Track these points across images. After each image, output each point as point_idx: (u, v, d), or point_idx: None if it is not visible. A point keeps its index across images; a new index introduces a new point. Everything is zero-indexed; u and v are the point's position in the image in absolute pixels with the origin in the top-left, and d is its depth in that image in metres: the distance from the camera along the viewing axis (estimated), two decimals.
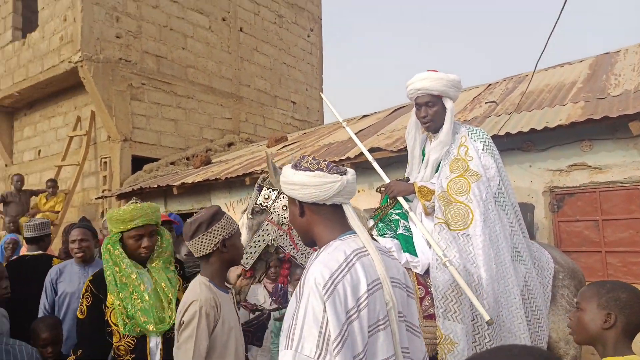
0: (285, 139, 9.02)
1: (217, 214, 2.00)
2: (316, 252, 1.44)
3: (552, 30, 2.62)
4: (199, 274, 2.02)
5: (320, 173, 1.43)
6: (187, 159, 9.43)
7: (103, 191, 8.79)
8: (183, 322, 1.86)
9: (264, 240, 2.60)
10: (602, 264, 4.13)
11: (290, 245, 2.67)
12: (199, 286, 1.93)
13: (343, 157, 5.28)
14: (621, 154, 4.05)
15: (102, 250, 2.29)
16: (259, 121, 11.68)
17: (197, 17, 10.22)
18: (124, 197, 8.24)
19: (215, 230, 1.96)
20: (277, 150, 7.80)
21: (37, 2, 9.51)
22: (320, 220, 1.47)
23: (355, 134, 5.90)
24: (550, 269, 2.71)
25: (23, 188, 8.28)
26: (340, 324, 1.24)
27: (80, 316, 2.28)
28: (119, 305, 2.20)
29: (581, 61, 6.53)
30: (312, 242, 1.52)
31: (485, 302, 2.35)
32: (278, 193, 2.64)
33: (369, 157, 3.01)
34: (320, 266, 1.32)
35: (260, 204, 2.64)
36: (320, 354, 1.21)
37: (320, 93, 3.18)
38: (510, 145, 4.49)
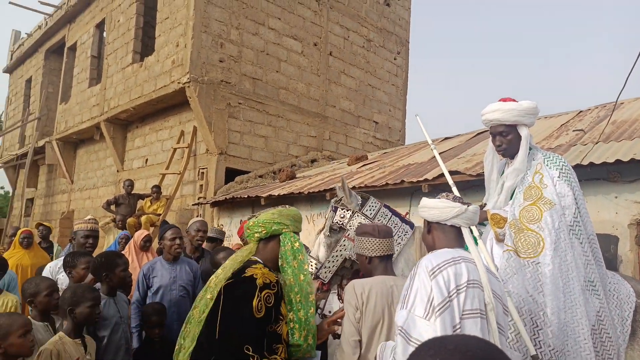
0: (366, 157, 9.33)
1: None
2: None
3: (637, 59, 2.68)
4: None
5: (444, 200, 1.95)
6: (274, 172, 10.10)
7: (199, 198, 9.67)
8: None
9: (341, 255, 2.83)
10: None
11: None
12: None
13: (421, 179, 5.48)
14: None
15: (285, 252, 2.17)
16: (342, 140, 12.14)
17: (291, 43, 10.99)
18: (217, 204, 9.03)
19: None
20: (357, 168, 8.14)
21: (154, 29, 10.84)
22: (441, 237, 1.93)
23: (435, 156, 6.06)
24: (632, 302, 2.62)
25: (132, 192, 9.35)
26: (443, 297, 1.67)
27: (257, 315, 1.99)
28: (303, 317, 2.13)
29: None
30: None
31: (549, 331, 2.37)
32: (352, 212, 2.88)
33: (450, 181, 3.03)
34: (431, 257, 1.78)
35: (337, 222, 2.88)
36: (427, 315, 1.66)
37: (416, 115, 3.36)
38: (595, 175, 4.43)
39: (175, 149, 10.22)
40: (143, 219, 8.67)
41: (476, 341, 0.77)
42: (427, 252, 1.98)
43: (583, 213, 2.65)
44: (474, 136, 7.86)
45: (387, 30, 13.43)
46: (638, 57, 2.67)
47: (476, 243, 2.82)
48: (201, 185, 9.73)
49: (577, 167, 4.34)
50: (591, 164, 4.21)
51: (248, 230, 2.24)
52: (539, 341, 2.40)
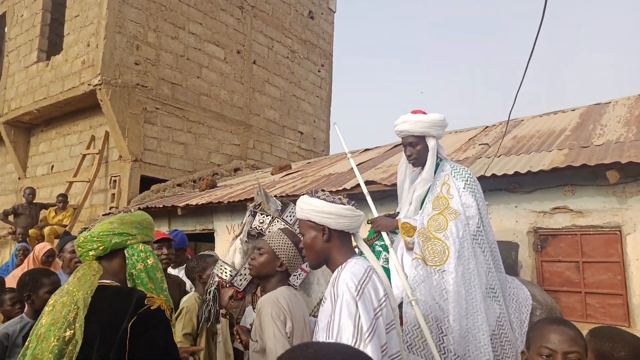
0: (289, 167, 9.32)
1: None
2: (338, 268, 1.73)
3: (522, 82, 2.89)
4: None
5: (351, 207, 1.79)
6: (194, 181, 9.75)
7: (110, 208, 9.08)
8: None
9: None
10: (581, 304, 4.29)
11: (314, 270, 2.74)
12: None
13: (340, 188, 5.54)
14: (601, 200, 4.28)
15: (137, 272, 1.74)
16: (266, 149, 12.05)
17: (213, 49, 10.74)
18: None
19: None
20: (280, 178, 8.09)
21: (63, 27, 10.09)
22: (340, 246, 1.78)
23: (356, 166, 6.18)
24: (529, 305, 2.79)
25: (34, 201, 8.58)
26: (370, 318, 1.55)
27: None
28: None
29: (574, 110, 6.84)
30: (321, 264, 1.84)
31: (451, 337, 2.46)
32: (272, 218, 2.81)
33: (365, 190, 3.11)
34: (349, 274, 1.63)
35: (256, 227, 2.76)
36: (355, 342, 1.51)
37: (334, 123, 3.38)
38: (497, 185, 4.74)
39: (84, 155, 9.57)
40: (46, 230, 7.98)
41: (338, 347, 0.75)
42: (313, 261, 1.84)
43: (486, 223, 2.80)
44: (391, 148, 8.14)
45: (311, 43, 13.61)
46: (523, 79, 2.87)
47: (387, 251, 2.89)
48: (113, 194, 9.15)
49: (482, 178, 4.61)
50: (494, 176, 4.49)
51: (79, 249, 1.74)
52: (444, 347, 2.48)
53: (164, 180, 9.52)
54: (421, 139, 2.86)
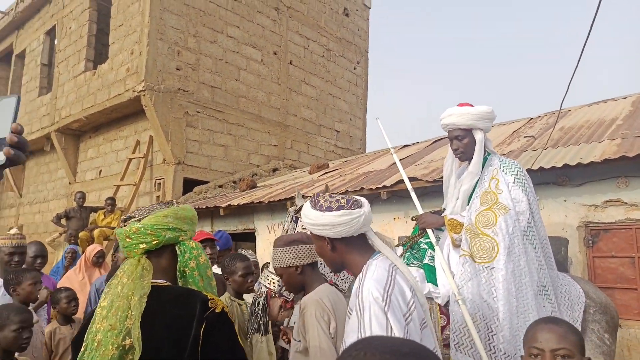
0: (327, 166, 9.34)
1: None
2: (359, 275, 1.60)
3: (575, 70, 2.78)
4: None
5: (345, 211, 1.61)
6: (234, 182, 9.94)
7: None
8: None
9: None
10: (637, 301, 4.08)
11: (331, 272, 2.71)
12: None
13: (380, 185, 5.51)
14: None
15: (190, 270, 1.69)
16: (303, 148, 12.13)
17: (251, 51, 10.91)
18: None
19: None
20: (319, 177, 8.12)
21: (108, 37, 10.52)
22: (350, 250, 1.66)
23: (394, 164, 6.10)
24: (581, 303, 2.69)
25: (84, 205, 8.97)
26: (402, 327, 1.44)
27: None
28: None
29: (625, 97, 6.51)
30: (341, 268, 1.75)
31: (501, 336, 2.39)
32: None
33: (409, 186, 3.05)
34: (373, 282, 1.50)
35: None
36: None
37: (377, 118, 3.35)
38: (545, 179, 4.57)
39: (130, 160, 9.91)
40: (96, 232, 8.32)
41: (403, 341, 0.75)
42: (332, 267, 1.76)
43: (537, 218, 2.70)
44: (431, 144, 8.01)
45: (346, 40, 13.58)
46: (576, 69, 2.76)
47: (433, 248, 2.85)
48: (158, 197, 9.45)
49: (528, 172, 4.45)
50: (541, 169, 4.34)
51: (128, 240, 1.60)
52: (493, 346, 2.42)
53: (206, 182, 9.75)
54: (468, 132, 2.78)
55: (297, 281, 2.17)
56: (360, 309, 1.47)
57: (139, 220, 1.63)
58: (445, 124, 2.84)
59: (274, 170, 10.98)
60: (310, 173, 9.02)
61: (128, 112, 10.12)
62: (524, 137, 5.99)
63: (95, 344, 1.47)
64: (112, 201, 8.93)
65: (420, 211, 2.94)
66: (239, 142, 10.56)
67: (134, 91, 9.18)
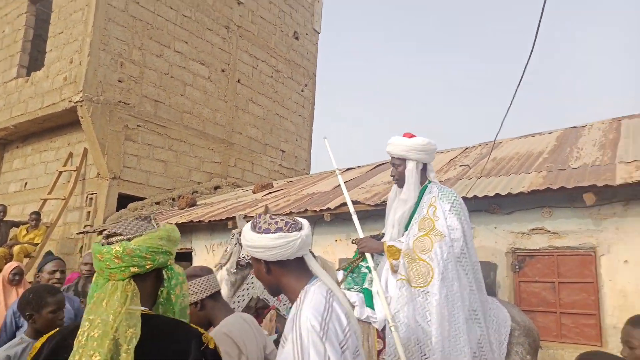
0: (271, 185, 9.30)
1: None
2: (296, 302, 1.57)
3: (511, 104, 2.97)
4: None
5: (281, 234, 1.58)
6: (173, 199, 9.63)
7: (85, 226, 8.88)
8: None
9: (248, 294, 2.63)
10: (556, 324, 4.34)
11: (273, 296, 2.71)
12: None
13: (324, 207, 5.55)
14: (577, 221, 4.37)
15: (175, 298, 1.58)
16: (248, 167, 12.02)
17: (198, 67, 10.77)
18: None
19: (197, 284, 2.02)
20: (262, 196, 8.06)
21: (45, 43, 10.01)
22: (286, 273, 1.62)
23: (338, 186, 6.17)
24: (507, 326, 2.83)
25: (4, 218, 8.34)
26: (339, 355, 1.43)
27: None
28: None
29: (551, 132, 7.03)
30: (278, 292, 1.72)
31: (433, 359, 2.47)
32: None
33: (352, 209, 3.11)
34: (311, 311, 1.47)
35: (245, 257, 2.65)
36: None
37: (324, 138, 3.40)
38: (478, 207, 4.80)
39: (61, 172, 9.39)
40: (16, 249, 7.76)
41: None
42: (270, 290, 1.73)
43: (470, 245, 2.84)
44: (373, 168, 8.20)
45: (295, 63, 13.76)
46: (512, 101, 2.96)
47: (371, 272, 2.89)
48: (89, 212, 8.97)
49: (463, 200, 4.67)
50: (475, 197, 4.56)
51: (117, 261, 1.39)
52: None
53: (142, 198, 9.38)
54: (403, 161, 2.95)
55: (201, 317, 2.00)
56: (298, 337, 1.45)
57: (130, 240, 1.43)
58: (387, 151, 3.03)
59: (216, 188, 10.77)
60: (253, 192, 8.93)
61: (62, 123, 9.63)
62: (460, 165, 6.28)
63: None
64: (37, 216, 8.38)
65: (361, 235, 3.00)
66: (180, 158, 10.30)
67: (70, 101, 8.75)
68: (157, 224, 1.55)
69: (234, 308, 2.47)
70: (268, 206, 2.76)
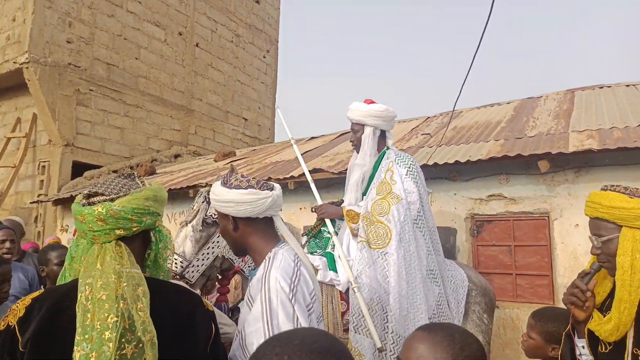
0: (234, 154, 9.15)
1: None
2: (264, 263, 1.54)
3: (467, 74, 3.01)
4: None
5: (252, 190, 1.56)
6: (131, 167, 9.32)
7: (39, 195, 8.49)
8: None
9: (213, 253, 2.55)
10: (512, 285, 4.58)
11: (237, 257, 2.65)
12: None
13: (287, 176, 5.52)
14: (532, 188, 4.56)
15: (163, 260, 1.50)
16: (209, 135, 11.74)
17: (153, 29, 10.26)
18: (61, 202, 8.02)
19: None
20: (224, 165, 7.93)
21: None
22: (254, 233, 1.60)
23: (302, 154, 6.17)
24: (465, 286, 2.95)
25: None
26: (306, 318, 1.44)
27: None
28: None
29: (509, 103, 7.21)
30: (243, 252, 1.67)
31: (392, 317, 2.56)
32: None
33: (309, 177, 3.18)
34: (281, 273, 1.46)
35: (212, 215, 2.57)
36: None
37: (276, 106, 3.35)
38: (439, 174, 4.92)
39: (9, 139, 8.85)
40: None
41: (318, 333, 0.76)
42: (234, 250, 1.70)
43: (426, 209, 2.93)
44: (337, 137, 8.20)
45: (256, 28, 13.35)
46: (468, 73, 2.99)
47: (331, 238, 2.93)
48: (42, 181, 8.56)
49: (424, 167, 4.74)
50: (435, 164, 4.65)
51: (101, 223, 1.28)
52: (387, 326, 2.57)
53: (99, 167, 9.03)
54: (361, 127, 2.98)
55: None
56: (266, 297, 1.43)
57: (113, 200, 1.31)
58: (348, 117, 3.04)
59: (176, 156, 10.49)
60: (215, 161, 8.77)
61: (7, 86, 9.01)
62: (421, 134, 6.37)
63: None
64: None
65: (320, 202, 3.04)
66: (137, 125, 9.91)
67: (14, 62, 8.17)
68: (141, 182, 1.43)
69: (197, 266, 2.47)
70: (234, 165, 2.69)
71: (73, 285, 1.25)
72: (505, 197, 4.67)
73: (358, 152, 3.04)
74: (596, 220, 1.58)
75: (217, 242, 2.55)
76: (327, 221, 2.90)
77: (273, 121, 14.05)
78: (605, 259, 1.56)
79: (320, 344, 0.69)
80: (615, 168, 4.17)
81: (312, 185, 3.09)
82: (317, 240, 2.97)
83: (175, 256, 2.47)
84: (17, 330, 1.20)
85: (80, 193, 1.41)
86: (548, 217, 4.43)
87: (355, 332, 2.53)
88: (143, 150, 10.00)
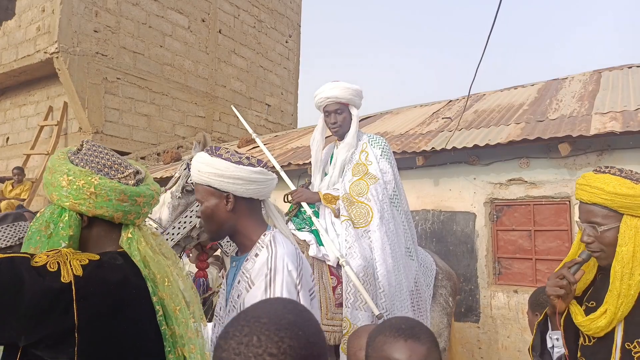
0: None
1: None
2: (265, 244, 1.45)
3: (482, 56, 2.99)
4: None
5: (262, 169, 1.47)
6: (158, 154, 9.58)
7: None
8: None
9: (190, 222, 2.42)
10: (532, 270, 4.57)
11: (209, 238, 2.46)
12: None
13: (307, 161, 5.59)
14: (553, 171, 4.51)
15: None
16: (233, 121, 11.90)
17: (177, 17, 10.40)
18: None
19: None
20: (247, 151, 8.06)
21: None
22: (249, 215, 1.49)
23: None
24: (433, 270, 3.05)
25: None
26: (308, 302, 1.42)
27: None
28: None
29: (533, 85, 7.06)
30: (222, 236, 1.56)
31: (382, 294, 2.58)
32: None
33: (277, 166, 3.14)
34: (289, 256, 1.41)
35: (192, 183, 2.37)
36: None
37: (232, 106, 3.38)
38: (458, 158, 4.90)
39: (42, 127, 9.20)
40: (3, 204, 7.73)
41: (284, 307, 0.78)
42: (215, 231, 1.54)
43: (401, 189, 2.97)
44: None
45: (278, 12, 13.34)
46: (482, 56, 2.97)
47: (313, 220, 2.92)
48: None
49: (443, 151, 4.77)
50: (454, 148, 4.64)
51: (153, 203, 1.35)
52: (380, 304, 2.60)
53: (127, 153, 9.30)
54: (345, 107, 2.91)
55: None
56: (272, 276, 1.37)
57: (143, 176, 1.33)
58: (325, 97, 2.90)
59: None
60: (238, 147, 8.91)
61: (39, 76, 9.32)
62: (442, 118, 6.33)
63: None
64: (19, 171, 8.31)
65: (292, 187, 3.02)
66: (163, 112, 10.14)
67: (45, 52, 8.45)
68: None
69: (173, 234, 2.36)
70: (205, 135, 2.56)
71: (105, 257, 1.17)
72: (526, 181, 4.63)
73: (339, 134, 2.97)
74: (592, 206, 1.41)
75: (196, 211, 2.39)
76: (305, 205, 2.89)
77: (296, 107, 14.10)
78: (598, 248, 1.41)
79: (287, 319, 0.72)
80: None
81: (283, 173, 3.05)
82: (299, 219, 2.96)
83: (151, 222, 2.34)
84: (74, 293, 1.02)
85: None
86: (569, 201, 4.38)
87: (354, 309, 2.53)
88: (169, 137, 10.23)
